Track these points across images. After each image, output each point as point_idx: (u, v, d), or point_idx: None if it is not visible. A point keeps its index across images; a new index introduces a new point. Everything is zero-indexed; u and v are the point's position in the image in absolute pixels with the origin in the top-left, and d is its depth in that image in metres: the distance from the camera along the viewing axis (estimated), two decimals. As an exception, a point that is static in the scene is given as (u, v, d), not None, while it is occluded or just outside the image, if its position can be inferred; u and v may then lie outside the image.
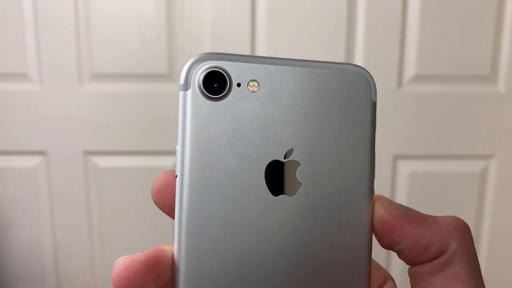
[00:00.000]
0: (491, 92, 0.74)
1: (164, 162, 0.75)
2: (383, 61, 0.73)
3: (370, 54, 0.73)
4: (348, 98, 0.20)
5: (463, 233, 0.20)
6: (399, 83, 0.74)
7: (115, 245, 0.80)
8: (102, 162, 0.77)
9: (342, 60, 0.73)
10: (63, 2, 0.72)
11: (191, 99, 0.19)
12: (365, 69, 0.21)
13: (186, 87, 0.19)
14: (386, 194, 0.77)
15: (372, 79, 0.21)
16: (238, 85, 0.19)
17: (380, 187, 0.77)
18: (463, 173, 0.77)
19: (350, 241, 0.20)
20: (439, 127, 0.75)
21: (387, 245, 0.21)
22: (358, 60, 0.73)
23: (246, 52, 0.72)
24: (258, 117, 0.19)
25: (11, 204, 0.79)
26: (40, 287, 0.82)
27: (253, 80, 0.19)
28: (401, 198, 0.78)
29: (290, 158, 0.20)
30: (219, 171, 0.19)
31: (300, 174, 0.20)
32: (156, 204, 0.21)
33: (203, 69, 0.19)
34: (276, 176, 0.20)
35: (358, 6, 0.72)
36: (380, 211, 0.20)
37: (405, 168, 0.77)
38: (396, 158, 0.76)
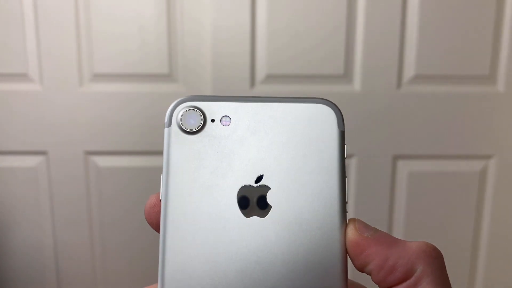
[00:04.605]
0: (490, 92, 0.74)
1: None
2: (383, 61, 0.73)
3: (369, 55, 0.73)
4: (315, 128, 0.22)
5: (431, 257, 0.20)
6: (399, 84, 0.74)
7: (115, 245, 0.80)
8: (103, 162, 0.77)
9: (341, 62, 0.73)
10: (64, 3, 0.72)
11: (172, 134, 0.22)
12: (331, 102, 0.23)
13: (168, 124, 0.22)
14: (386, 194, 0.77)
15: (338, 110, 0.23)
16: (212, 120, 0.22)
17: (380, 187, 0.77)
18: (462, 173, 0.77)
19: (323, 262, 0.21)
20: (439, 127, 0.75)
21: (358, 267, 0.21)
22: (358, 61, 0.73)
23: (246, 50, 0.73)
24: (231, 147, 0.22)
25: (12, 204, 0.79)
26: (40, 287, 0.82)
27: (225, 116, 0.22)
28: (401, 198, 0.78)
29: (261, 183, 0.22)
30: (196, 197, 0.22)
31: (270, 197, 0.22)
32: (147, 221, 0.23)
33: (182, 108, 0.22)
34: (248, 199, 0.22)
35: (358, 7, 0.72)
36: (350, 232, 0.21)
37: (404, 168, 0.77)
38: (396, 158, 0.76)
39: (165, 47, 0.73)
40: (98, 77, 0.74)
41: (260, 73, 0.74)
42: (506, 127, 0.75)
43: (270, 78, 0.74)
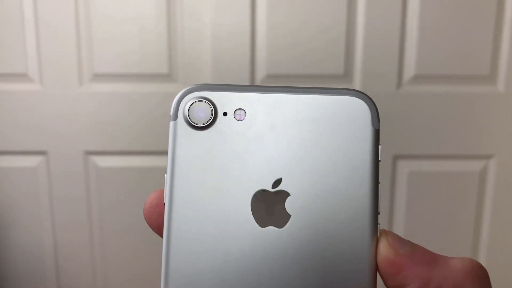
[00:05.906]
0: (490, 92, 0.74)
1: (163, 162, 0.75)
2: (383, 61, 0.73)
3: (370, 55, 0.73)
4: (344, 125, 0.19)
5: (478, 277, 0.18)
6: (399, 84, 0.74)
7: (115, 245, 0.80)
8: (103, 162, 0.77)
9: (341, 62, 0.73)
10: (64, 3, 0.72)
11: (179, 129, 0.20)
12: (365, 94, 0.19)
13: (174, 117, 0.20)
14: (386, 194, 0.77)
15: (373, 104, 0.19)
16: (225, 114, 0.19)
17: (380, 187, 0.77)
18: (462, 173, 0.77)
19: (348, 281, 0.19)
20: (439, 127, 0.75)
21: (392, 287, 0.19)
22: (358, 61, 0.73)
23: (246, 50, 0.73)
24: (245, 146, 0.19)
25: (11, 204, 0.79)
26: (40, 287, 0.82)
27: (240, 109, 0.19)
28: (401, 198, 0.78)
29: (279, 188, 0.19)
30: (205, 202, 0.19)
31: (289, 205, 0.19)
32: (147, 222, 0.21)
33: (189, 100, 0.20)
34: (263, 207, 0.19)
35: (358, 7, 0.72)
36: (384, 249, 0.19)
37: (404, 168, 0.77)
38: (396, 158, 0.76)
39: (165, 47, 0.73)
40: (98, 77, 0.74)
41: (260, 73, 0.74)
42: (506, 127, 0.75)
43: (270, 78, 0.74)
